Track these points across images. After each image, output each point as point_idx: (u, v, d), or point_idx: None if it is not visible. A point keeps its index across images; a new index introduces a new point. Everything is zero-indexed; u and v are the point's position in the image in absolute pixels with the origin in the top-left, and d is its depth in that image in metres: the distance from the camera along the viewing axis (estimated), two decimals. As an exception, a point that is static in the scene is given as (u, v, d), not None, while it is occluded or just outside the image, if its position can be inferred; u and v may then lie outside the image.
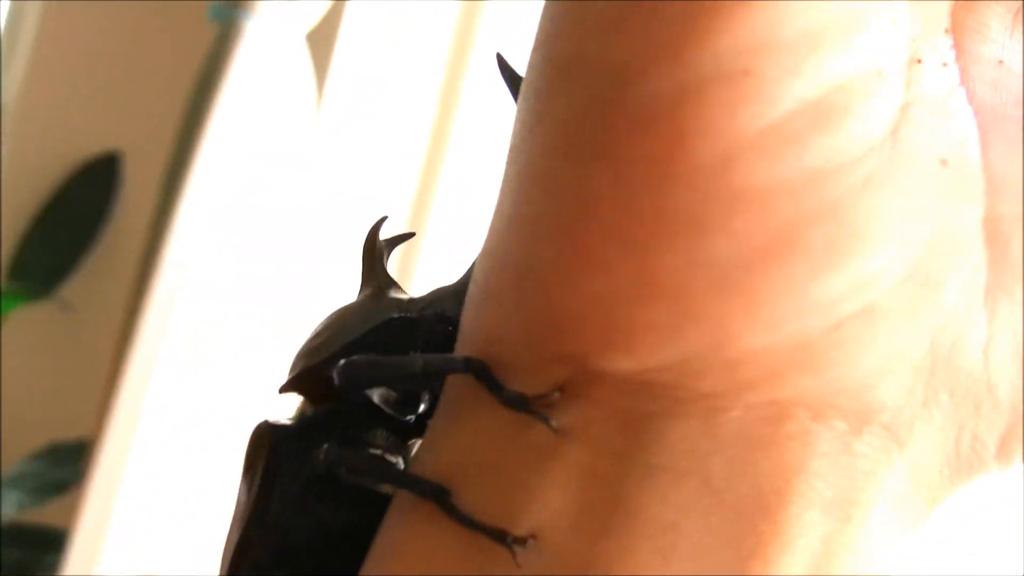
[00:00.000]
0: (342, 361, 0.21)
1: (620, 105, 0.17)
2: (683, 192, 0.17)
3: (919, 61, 0.18)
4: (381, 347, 0.21)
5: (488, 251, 0.19)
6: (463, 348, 0.20)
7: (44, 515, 0.93)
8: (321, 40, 0.81)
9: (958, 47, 0.19)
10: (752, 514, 0.18)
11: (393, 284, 0.23)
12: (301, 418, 0.22)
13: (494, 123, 0.75)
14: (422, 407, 0.21)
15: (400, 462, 0.21)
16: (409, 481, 0.20)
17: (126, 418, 0.81)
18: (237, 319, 0.82)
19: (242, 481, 0.23)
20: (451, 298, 0.22)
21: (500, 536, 0.18)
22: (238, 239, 0.82)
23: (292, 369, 0.22)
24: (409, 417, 0.21)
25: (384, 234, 0.24)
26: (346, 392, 0.21)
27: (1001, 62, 0.19)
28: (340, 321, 0.22)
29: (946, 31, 0.19)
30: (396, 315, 0.22)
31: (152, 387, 0.81)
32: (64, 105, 1.02)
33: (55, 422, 0.95)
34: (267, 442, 0.22)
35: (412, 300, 0.22)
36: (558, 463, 0.18)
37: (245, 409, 0.79)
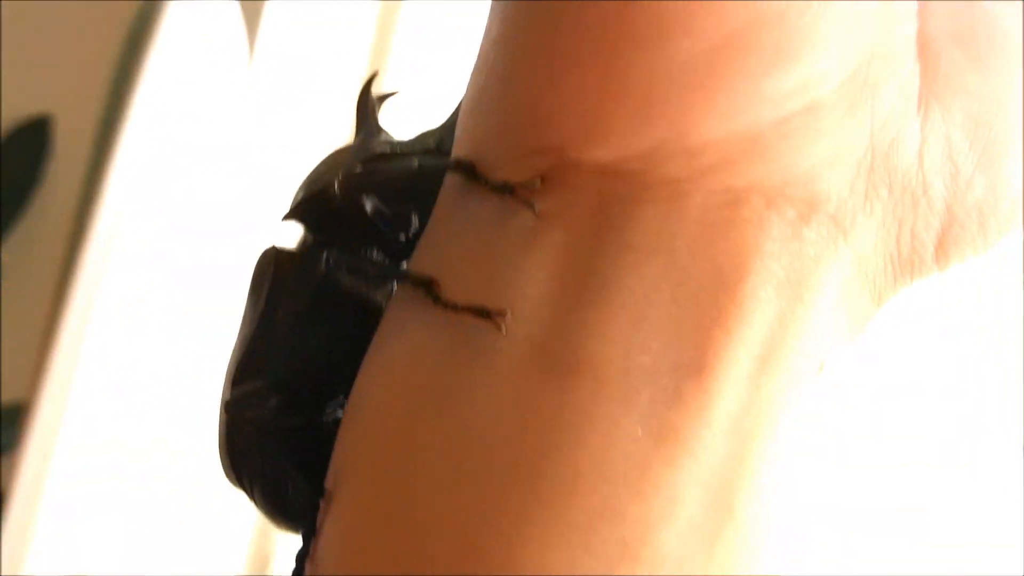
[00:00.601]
0: (342, 171, 0.22)
1: None
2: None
3: None
4: (378, 171, 0.23)
5: (477, 67, 0.21)
6: (456, 153, 0.22)
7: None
8: (251, -2, 0.81)
9: None
10: (713, 288, 0.20)
11: (383, 131, 0.25)
12: (303, 243, 0.24)
13: (426, 71, 0.74)
14: (414, 227, 0.23)
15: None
16: (400, 274, 0.21)
17: (61, 381, 0.81)
18: (172, 280, 0.81)
19: (248, 300, 0.24)
20: (438, 132, 0.23)
21: (482, 311, 0.20)
22: (172, 199, 0.81)
23: (295, 198, 0.24)
24: (402, 236, 0.23)
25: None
26: (345, 202, 0.22)
27: None
28: (335, 156, 0.24)
29: None
30: (388, 149, 0.23)
31: (86, 349, 0.81)
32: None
33: (-10, 387, 0.95)
34: (272, 262, 0.24)
35: (402, 141, 0.24)
36: (540, 244, 0.20)
37: (181, 369, 0.79)
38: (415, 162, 0.22)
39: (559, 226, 0.20)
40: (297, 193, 0.24)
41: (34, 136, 1.01)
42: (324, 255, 0.22)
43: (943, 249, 0.22)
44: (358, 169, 0.23)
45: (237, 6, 0.81)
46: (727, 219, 0.20)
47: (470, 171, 0.21)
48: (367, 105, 0.25)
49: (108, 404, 0.80)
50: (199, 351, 0.78)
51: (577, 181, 0.20)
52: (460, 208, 0.21)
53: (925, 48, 0.21)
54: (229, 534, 0.75)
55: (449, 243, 0.21)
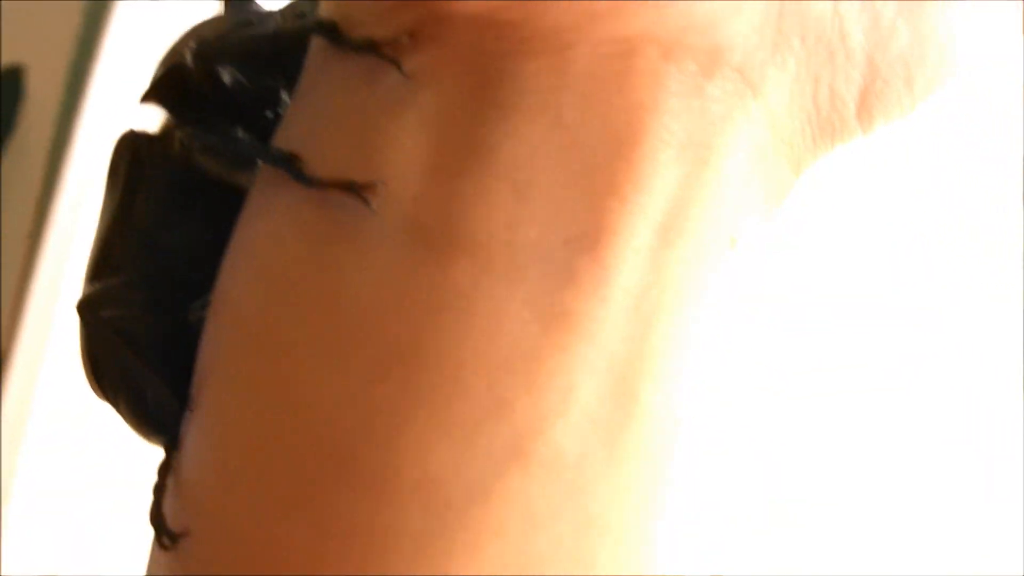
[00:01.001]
0: (195, 43, 0.20)
1: None
2: None
3: None
4: (235, 39, 0.21)
5: None
6: (321, 13, 0.20)
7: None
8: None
9: None
10: (606, 151, 0.18)
11: (253, 1, 0.23)
12: (164, 126, 0.22)
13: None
14: (282, 103, 0.21)
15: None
16: (259, 150, 0.19)
17: (36, 331, 0.81)
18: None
19: (106, 189, 0.22)
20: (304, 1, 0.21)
21: (348, 186, 0.18)
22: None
23: (152, 76, 0.22)
24: (268, 113, 0.21)
25: None
26: (202, 75, 0.20)
27: None
28: (197, 27, 0.22)
29: None
30: (252, 18, 0.21)
31: (61, 300, 0.80)
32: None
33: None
34: (130, 147, 0.22)
35: (269, 11, 0.22)
36: (410, 109, 0.18)
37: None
38: (271, 28, 0.20)
39: (431, 87, 0.18)
40: (156, 69, 0.22)
41: (8, 86, 1.01)
42: (177, 135, 0.20)
43: (866, 107, 0.19)
44: (214, 38, 0.20)
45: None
46: (618, 73, 0.18)
47: (332, 32, 0.19)
48: None
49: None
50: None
51: (449, 36, 0.18)
52: (325, 74, 0.19)
53: None
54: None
55: (314, 114, 0.19)
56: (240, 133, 0.21)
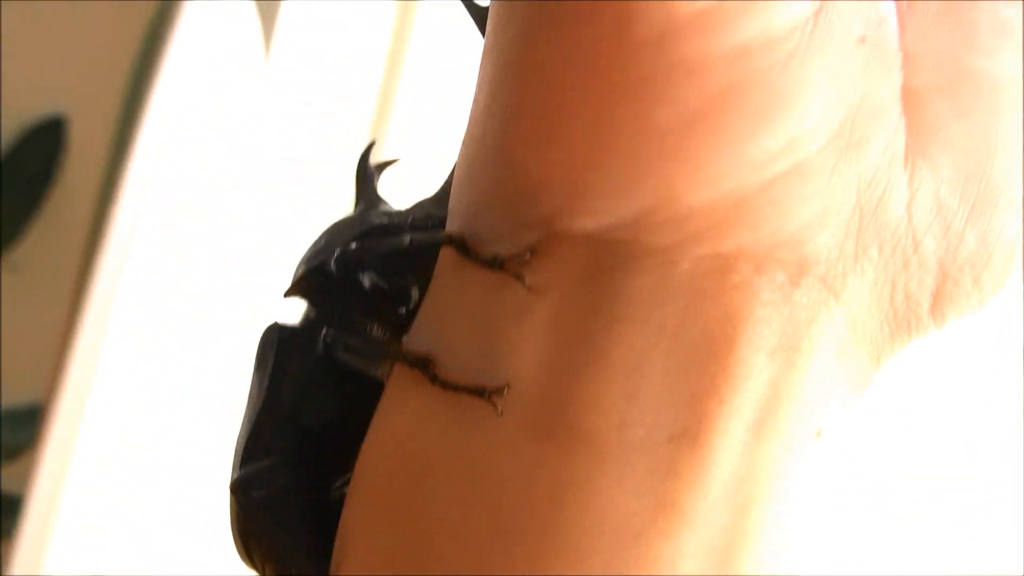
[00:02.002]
0: (337, 250, 0.23)
1: None
2: (628, 67, 0.19)
3: None
4: (374, 251, 0.24)
5: (467, 138, 0.22)
6: (450, 227, 0.22)
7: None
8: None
9: None
10: (704, 357, 0.20)
11: (382, 201, 0.25)
12: (306, 318, 0.24)
13: (443, 72, 0.74)
14: (413, 300, 0.23)
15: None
16: (396, 352, 0.22)
17: (79, 382, 0.81)
18: (189, 279, 0.81)
19: (254, 377, 0.24)
20: (432, 203, 0.24)
21: (479, 391, 0.20)
22: (189, 198, 0.82)
23: (295, 274, 0.24)
24: (402, 310, 0.23)
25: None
26: (342, 278, 0.23)
27: None
28: (335, 229, 0.25)
29: None
30: (387, 221, 0.24)
31: (105, 350, 0.81)
32: (7, 69, 1.01)
33: (7, 387, 0.95)
34: (275, 338, 0.24)
35: (399, 211, 0.25)
36: (531, 317, 0.20)
37: (200, 369, 0.79)
38: (407, 239, 0.23)
39: (550, 298, 0.20)
40: (298, 267, 0.24)
41: (49, 136, 1.01)
42: (322, 334, 0.23)
43: (939, 307, 0.21)
44: (353, 246, 0.23)
45: (253, 6, 0.81)
46: (716, 286, 0.20)
47: (461, 246, 0.21)
48: (366, 174, 0.26)
49: (126, 406, 0.80)
50: (217, 352, 0.78)
51: (566, 253, 0.20)
52: (455, 282, 0.22)
53: (910, 102, 0.21)
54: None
55: (444, 317, 0.22)
56: (376, 329, 0.23)
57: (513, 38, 0.20)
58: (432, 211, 0.24)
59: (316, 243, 0.24)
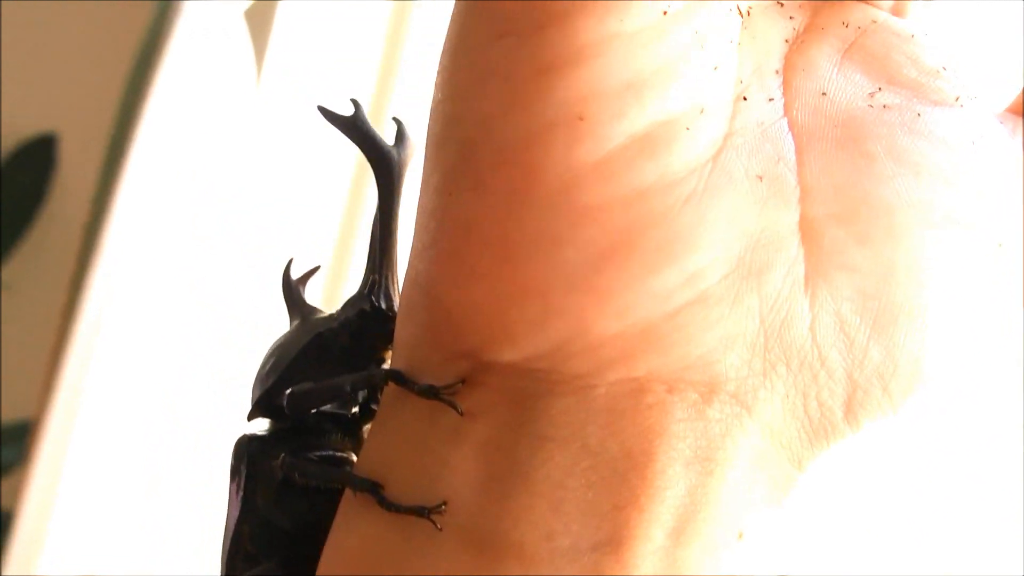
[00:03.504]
0: (287, 392, 0.26)
1: (485, 148, 0.22)
2: (537, 213, 0.21)
3: (745, 98, 0.22)
4: (316, 359, 0.27)
5: (405, 280, 0.24)
6: (395, 359, 0.24)
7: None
8: (259, 17, 0.81)
9: (786, 84, 0.23)
10: (625, 471, 0.21)
11: (313, 309, 0.28)
12: (270, 430, 0.27)
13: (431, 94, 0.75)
14: (362, 398, 0.26)
15: (352, 456, 0.26)
16: (347, 479, 0.24)
17: (69, 398, 0.81)
18: (178, 298, 0.82)
19: (230, 485, 0.27)
20: (356, 303, 0.27)
21: (420, 511, 0.22)
22: (179, 217, 0.82)
23: (252, 396, 0.27)
24: (354, 410, 0.26)
25: (298, 265, 0.29)
26: (293, 415, 0.26)
27: (824, 94, 0.23)
28: (279, 350, 0.27)
29: (776, 72, 0.23)
30: (321, 330, 0.27)
31: (95, 366, 0.81)
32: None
33: (-3, 404, 0.95)
34: (245, 452, 0.27)
35: (330, 316, 0.27)
36: (465, 440, 0.22)
37: (187, 388, 0.79)
38: (347, 384, 0.25)
39: (481, 422, 0.22)
40: (253, 387, 0.27)
41: (39, 154, 1.01)
42: (280, 459, 0.25)
43: (852, 414, 0.23)
44: (298, 390, 0.26)
45: (245, 26, 0.81)
46: (632, 407, 0.22)
47: (399, 379, 0.23)
48: (291, 289, 0.28)
49: (116, 423, 0.80)
50: (208, 367, 0.79)
51: (494, 381, 0.22)
52: (396, 411, 0.23)
53: (808, 232, 0.22)
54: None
55: (389, 444, 0.23)
56: (335, 434, 0.26)
57: (435, 188, 0.22)
58: (353, 314, 0.26)
59: (264, 364, 0.27)
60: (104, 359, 0.81)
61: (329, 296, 0.74)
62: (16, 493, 0.81)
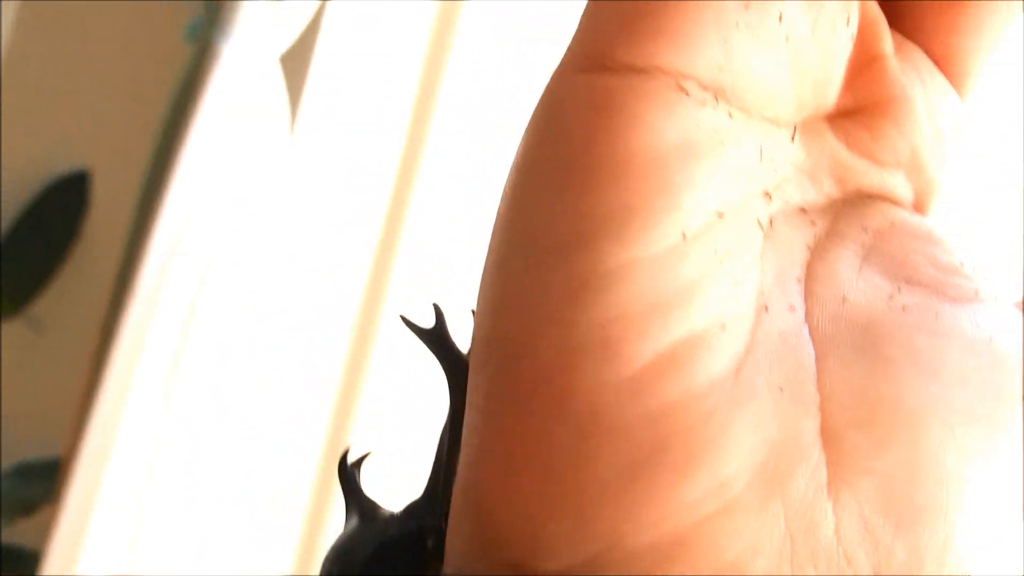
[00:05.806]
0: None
1: (517, 372, 0.23)
2: (568, 433, 0.23)
3: (766, 309, 0.23)
4: (378, 568, 0.28)
5: (455, 489, 0.25)
6: (448, 565, 0.25)
7: (15, 535, 0.93)
8: (295, 62, 0.82)
9: (807, 292, 0.24)
10: None
11: (374, 505, 0.29)
12: None
13: (466, 145, 0.75)
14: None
15: None
16: None
17: (100, 437, 0.81)
18: (211, 336, 0.82)
19: None
20: (421, 507, 0.28)
21: None
22: (211, 259, 0.82)
23: None
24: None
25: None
26: None
27: (845, 299, 0.24)
28: (342, 555, 0.28)
29: (798, 279, 0.24)
30: (384, 539, 0.28)
31: (126, 405, 0.81)
32: (35, 123, 1.02)
33: (26, 441, 0.95)
34: None
35: (391, 518, 0.28)
36: None
37: (219, 427, 0.80)
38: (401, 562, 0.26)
39: None
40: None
41: (72, 191, 1.02)
42: None
43: None
44: None
45: (281, 71, 0.82)
46: None
47: None
48: (349, 480, 0.29)
49: (146, 461, 0.80)
50: (242, 408, 0.79)
51: None
52: None
53: (829, 439, 0.23)
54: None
55: None
56: None
57: (478, 404, 0.24)
58: (418, 519, 0.27)
59: (325, 565, 0.28)
60: (136, 398, 0.81)
61: (355, 357, 0.74)
62: (44, 531, 0.82)
